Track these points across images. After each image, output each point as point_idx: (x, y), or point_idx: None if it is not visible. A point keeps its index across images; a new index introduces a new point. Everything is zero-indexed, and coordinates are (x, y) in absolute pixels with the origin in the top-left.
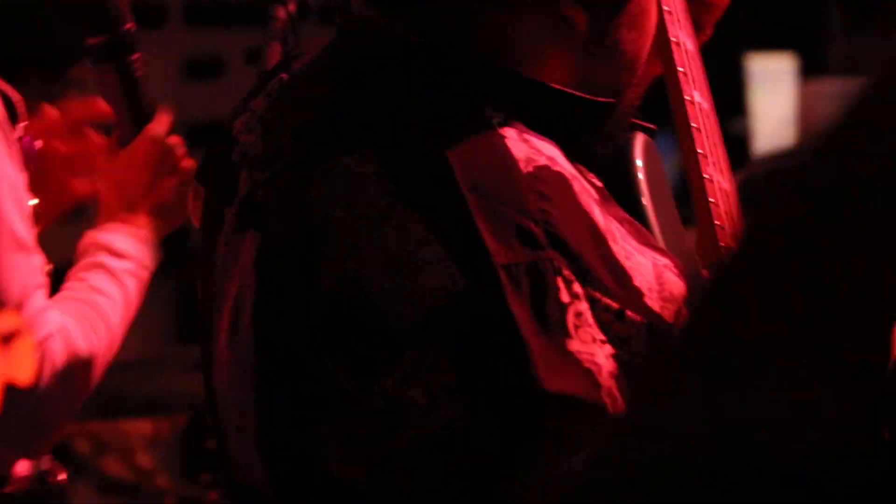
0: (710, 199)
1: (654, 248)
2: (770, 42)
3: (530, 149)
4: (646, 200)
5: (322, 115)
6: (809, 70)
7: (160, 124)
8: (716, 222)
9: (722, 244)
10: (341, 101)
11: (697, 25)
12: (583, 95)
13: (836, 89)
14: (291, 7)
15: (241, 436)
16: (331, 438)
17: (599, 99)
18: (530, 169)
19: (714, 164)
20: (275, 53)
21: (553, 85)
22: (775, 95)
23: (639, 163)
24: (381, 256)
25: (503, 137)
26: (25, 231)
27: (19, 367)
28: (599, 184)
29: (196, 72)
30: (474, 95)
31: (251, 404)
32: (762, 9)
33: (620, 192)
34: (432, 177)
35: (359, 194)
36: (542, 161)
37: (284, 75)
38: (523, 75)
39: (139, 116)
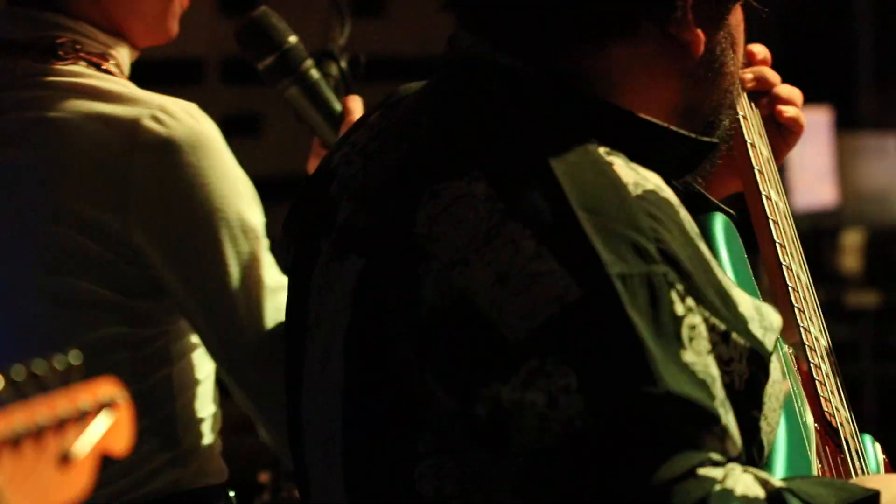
0: (789, 285)
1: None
2: (805, 95)
3: (637, 175)
4: (729, 271)
5: (428, 141)
6: (844, 123)
7: (354, 116)
8: (795, 305)
9: (802, 326)
10: (448, 128)
11: (774, 152)
12: (688, 135)
13: (870, 143)
14: (342, 63)
15: (327, 466)
16: (425, 455)
17: (703, 139)
18: (639, 192)
19: (790, 254)
20: None
21: (659, 123)
22: (812, 148)
23: (720, 237)
24: (491, 271)
25: (611, 164)
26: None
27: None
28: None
29: (234, 128)
30: (579, 125)
31: (339, 431)
32: (797, 62)
33: None
34: (543, 195)
35: (467, 213)
36: (650, 186)
37: (383, 111)
38: (629, 111)
39: (332, 117)
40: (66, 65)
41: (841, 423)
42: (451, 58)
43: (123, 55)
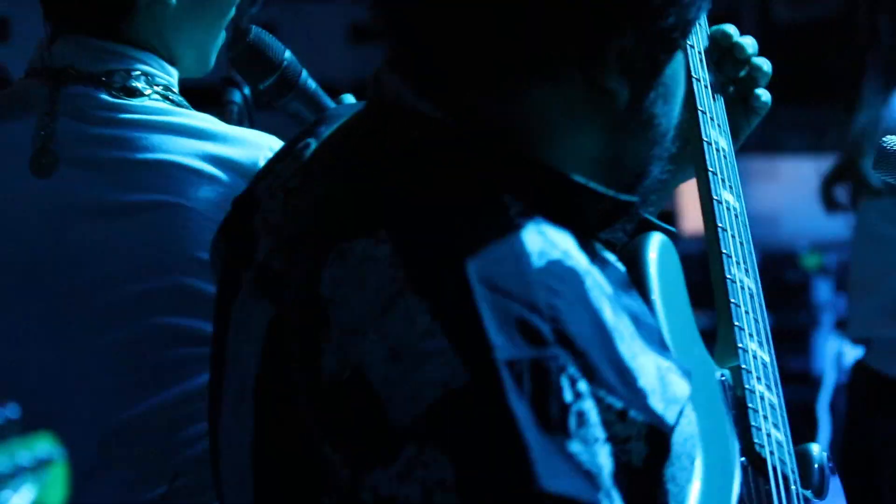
0: (732, 300)
1: (661, 346)
2: None
3: (545, 241)
4: (656, 297)
5: (342, 190)
6: None
7: None
8: (735, 323)
9: (740, 346)
10: (361, 178)
11: (734, 131)
12: (605, 192)
13: (760, 166)
14: (246, 90)
15: (240, 496)
16: None
17: (622, 197)
18: (543, 263)
19: (738, 263)
20: None
21: (575, 179)
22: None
23: (652, 260)
24: (386, 346)
25: (519, 228)
26: None
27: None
28: (622, 268)
29: None
30: (495, 181)
31: (249, 471)
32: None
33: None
34: (443, 264)
35: (370, 278)
36: (556, 255)
37: (310, 140)
38: (547, 166)
39: None
40: (147, 101)
41: (772, 451)
42: (375, 96)
43: (176, 87)
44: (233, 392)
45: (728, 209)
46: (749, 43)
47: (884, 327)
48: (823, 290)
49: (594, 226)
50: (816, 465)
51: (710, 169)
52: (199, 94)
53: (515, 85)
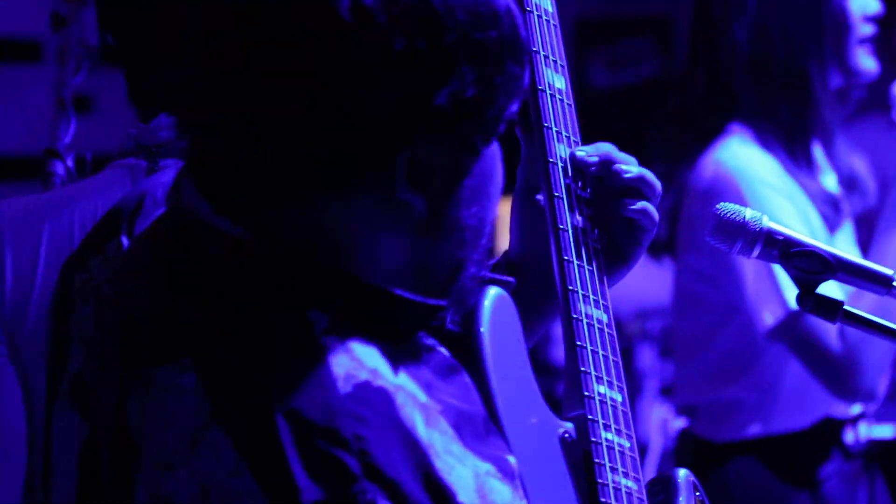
0: (578, 343)
1: (484, 437)
2: None
3: (352, 361)
4: (489, 364)
5: (147, 311)
6: None
7: None
8: (581, 369)
9: (586, 394)
10: (164, 300)
11: (624, 255)
12: (412, 298)
13: None
14: (69, 161)
15: None
16: None
17: (429, 301)
18: (349, 388)
19: (585, 297)
20: None
21: (383, 288)
22: None
23: (485, 322)
24: (194, 482)
25: (324, 351)
26: None
27: None
28: (445, 352)
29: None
30: (300, 297)
31: None
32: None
33: (465, 356)
34: (247, 399)
35: (176, 410)
36: (363, 376)
37: (123, 239)
38: (352, 276)
39: None
40: None
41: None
42: (177, 204)
43: None
44: (60, 499)
45: (579, 268)
46: (628, 169)
47: (709, 392)
48: (646, 357)
49: (405, 332)
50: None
51: (557, 194)
52: (22, 164)
53: (311, 199)
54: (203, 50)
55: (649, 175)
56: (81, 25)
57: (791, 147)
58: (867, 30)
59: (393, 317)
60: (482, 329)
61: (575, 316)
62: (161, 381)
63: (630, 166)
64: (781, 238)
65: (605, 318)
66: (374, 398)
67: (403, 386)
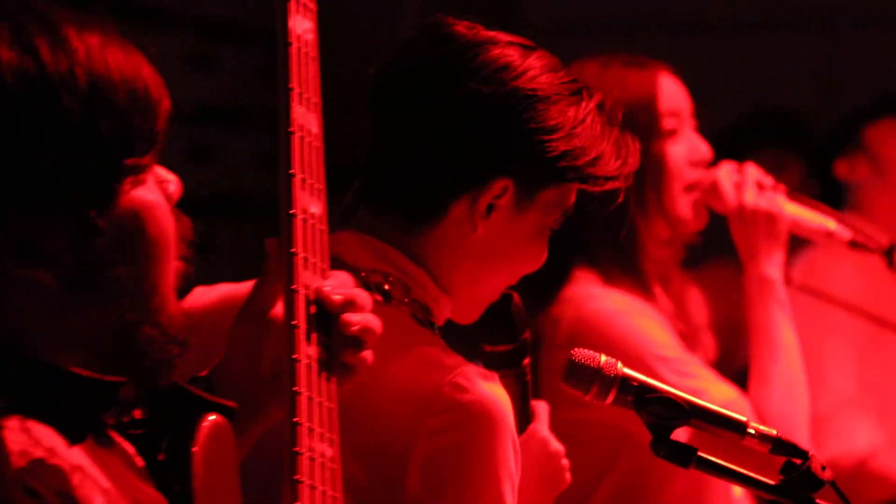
0: (296, 477)
1: None
2: None
3: (29, 439)
4: (197, 485)
5: None
6: None
7: (543, 422)
8: None
9: None
10: None
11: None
12: (86, 375)
13: None
14: None
15: None
16: None
17: (106, 378)
18: (23, 463)
19: (311, 430)
20: None
21: (54, 364)
22: None
23: (195, 454)
24: None
25: (1, 429)
26: None
27: None
28: (140, 462)
29: None
30: None
31: None
32: None
33: (175, 475)
34: None
35: None
36: (39, 454)
37: None
38: (25, 356)
39: (524, 417)
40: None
41: None
42: None
43: (445, 310)
44: None
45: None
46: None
47: None
48: None
49: (85, 411)
50: None
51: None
52: None
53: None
54: None
55: (374, 322)
56: None
57: (636, 287)
58: (694, 176)
59: (69, 395)
60: (194, 448)
61: (298, 450)
62: None
63: (356, 316)
64: (636, 384)
65: (329, 452)
66: (48, 475)
67: (83, 468)
